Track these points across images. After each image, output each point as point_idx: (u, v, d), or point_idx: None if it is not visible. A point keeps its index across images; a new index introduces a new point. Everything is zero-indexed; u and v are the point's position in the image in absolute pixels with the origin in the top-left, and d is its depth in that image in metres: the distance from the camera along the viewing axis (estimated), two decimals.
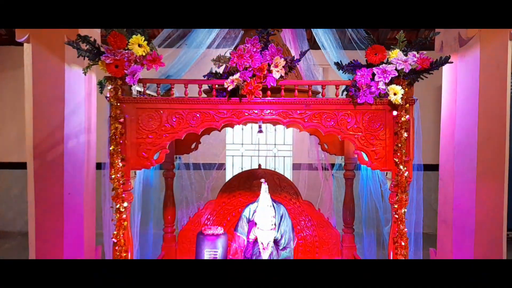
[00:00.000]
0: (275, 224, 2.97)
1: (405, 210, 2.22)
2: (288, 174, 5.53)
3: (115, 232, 2.24)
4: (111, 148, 2.20)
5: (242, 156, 5.75)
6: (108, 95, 2.18)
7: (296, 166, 5.52)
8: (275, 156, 5.72)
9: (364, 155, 2.32)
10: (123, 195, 2.23)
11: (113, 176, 2.20)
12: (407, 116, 2.17)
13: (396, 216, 2.23)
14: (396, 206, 2.23)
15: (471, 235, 3.07)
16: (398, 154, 2.19)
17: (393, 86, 2.12)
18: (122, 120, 2.20)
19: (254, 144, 5.68)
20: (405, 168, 2.19)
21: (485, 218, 3.04)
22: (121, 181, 2.22)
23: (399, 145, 2.18)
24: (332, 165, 4.03)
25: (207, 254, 2.91)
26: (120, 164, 2.22)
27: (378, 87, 2.13)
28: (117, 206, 2.22)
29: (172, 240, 3.51)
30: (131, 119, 2.25)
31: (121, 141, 2.21)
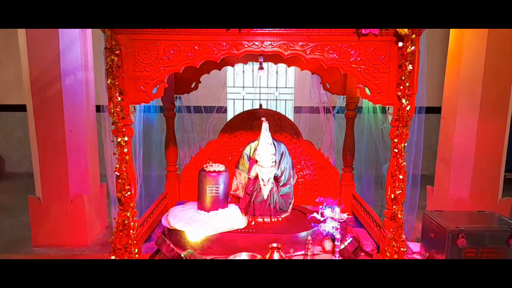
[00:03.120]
0: (275, 162, 3.00)
1: (405, 144, 2.22)
2: (290, 117, 5.50)
3: (117, 166, 2.27)
4: (108, 82, 2.15)
5: (243, 99, 5.69)
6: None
7: (297, 109, 5.49)
8: (276, 99, 5.66)
9: (367, 90, 2.27)
10: (123, 129, 2.23)
11: (112, 110, 2.19)
12: (413, 48, 2.09)
13: (396, 150, 2.23)
14: (396, 140, 2.22)
15: (469, 173, 3.11)
16: (401, 87, 2.14)
17: None
18: (118, 52, 2.13)
19: (255, 87, 5.59)
20: (407, 102, 2.15)
21: (484, 157, 3.06)
22: (120, 115, 2.20)
23: (403, 78, 2.13)
24: (333, 107, 4.01)
25: (209, 190, 2.97)
26: (119, 98, 2.19)
27: None
28: (118, 140, 2.23)
29: (175, 179, 3.58)
30: (127, 52, 2.18)
31: (118, 75, 2.16)
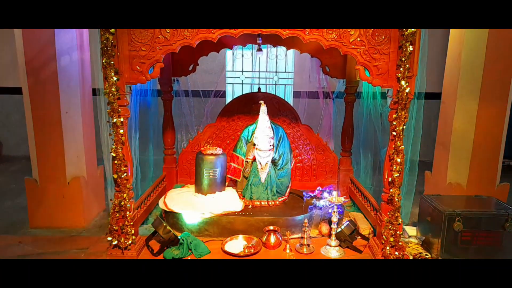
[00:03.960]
0: (273, 145, 2.98)
1: (404, 127, 2.20)
2: (289, 101, 5.45)
3: (113, 147, 2.25)
4: (103, 61, 2.12)
5: (242, 84, 5.63)
6: None
7: (296, 94, 5.44)
8: (276, 84, 5.60)
9: (366, 72, 2.24)
10: (119, 110, 2.20)
11: (107, 90, 2.16)
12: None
13: (394, 133, 2.21)
14: (395, 123, 2.20)
15: (467, 158, 3.10)
16: (401, 69, 2.11)
17: None
18: (113, 30, 2.09)
19: (255, 72, 5.52)
20: (407, 84, 2.12)
21: (483, 142, 3.04)
22: (116, 96, 2.17)
23: (403, 59, 2.09)
24: (333, 92, 3.97)
25: (206, 173, 2.96)
26: (114, 78, 2.16)
27: None
28: (114, 120, 2.20)
29: (172, 162, 3.57)
30: (122, 30, 2.14)
31: (113, 54, 2.13)
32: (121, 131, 2.23)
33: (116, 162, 2.27)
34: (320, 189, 2.72)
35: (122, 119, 2.22)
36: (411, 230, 2.75)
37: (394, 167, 2.24)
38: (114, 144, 2.24)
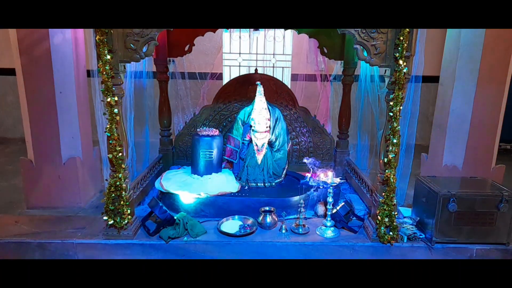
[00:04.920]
0: (269, 126, 2.96)
1: (400, 107, 2.18)
2: (287, 84, 5.40)
3: (107, 126, 2.23)
4: (96, 39, 2.08)
5: (239, 66, 5.57)
6: None
7: (294, 77, 5.39)
8: (273, 67, 5.55)
9: (364, 52, 2.21)
10: (113, 89, 2.17)
11: (101, 69, 2.12)
12: None
13: (391, 114, 2.20)
14: (392, 103, 2.18)
15: (464, 140, 3.09)
16: (399, 48, 2.08)
17: None
18: None
19: (252, 54, 5.46)
20: (404, 64, 2.10)
21: (480, 124, 3.03)
22: (110, 74, 2.14)
23: (401, 38, 2.06)
24: (330, 75, 3.94)
25: (202, 154, 2.95)
26: (108, 56, 2.12)
27: None
28: (108, 99, 2.17)
29: (169, 144, 3.56)
30: None
31: (106, 31, 2.08)
32: (115, 110, 2.21)
33: (111, 142, 2.25)
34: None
35: (116, 98, 2.20)
36: (406, 211, 2.77)
37: (390, 148, 2.24)
38: (108, 124, 2.22)
